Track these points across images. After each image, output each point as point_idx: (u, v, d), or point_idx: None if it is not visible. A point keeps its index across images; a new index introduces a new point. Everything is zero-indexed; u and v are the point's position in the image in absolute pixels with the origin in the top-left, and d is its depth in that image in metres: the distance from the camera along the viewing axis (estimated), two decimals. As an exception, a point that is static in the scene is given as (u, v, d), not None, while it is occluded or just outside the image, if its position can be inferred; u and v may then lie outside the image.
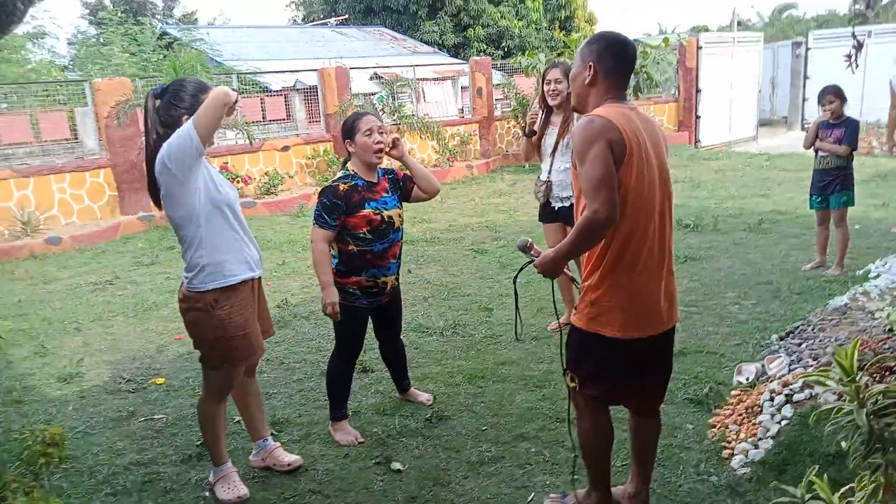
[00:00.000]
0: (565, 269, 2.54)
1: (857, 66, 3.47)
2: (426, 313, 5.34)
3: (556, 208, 4.51)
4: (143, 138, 8.80)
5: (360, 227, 3.26)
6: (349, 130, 3.33)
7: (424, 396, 3.86)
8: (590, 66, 2.37)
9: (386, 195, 3.37)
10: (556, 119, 4.41)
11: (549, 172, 4.49)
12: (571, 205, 4.38)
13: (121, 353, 4.91)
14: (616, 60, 2.37)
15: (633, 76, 12.28)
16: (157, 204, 2.83)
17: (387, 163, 3.49)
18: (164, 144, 2.64)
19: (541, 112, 4.48)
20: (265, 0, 45.74)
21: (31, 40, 18.16)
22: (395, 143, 3.41)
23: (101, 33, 19.11)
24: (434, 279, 6.28)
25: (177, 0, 27.13)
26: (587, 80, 2.39)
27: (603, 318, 2.37)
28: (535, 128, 4.48)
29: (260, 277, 3.02)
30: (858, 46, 3.41)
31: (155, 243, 8.45)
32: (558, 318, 3.33)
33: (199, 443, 3.41)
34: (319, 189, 3.34)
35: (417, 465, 3.22)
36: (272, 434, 3.40)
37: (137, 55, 15.75)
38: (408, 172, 3.51)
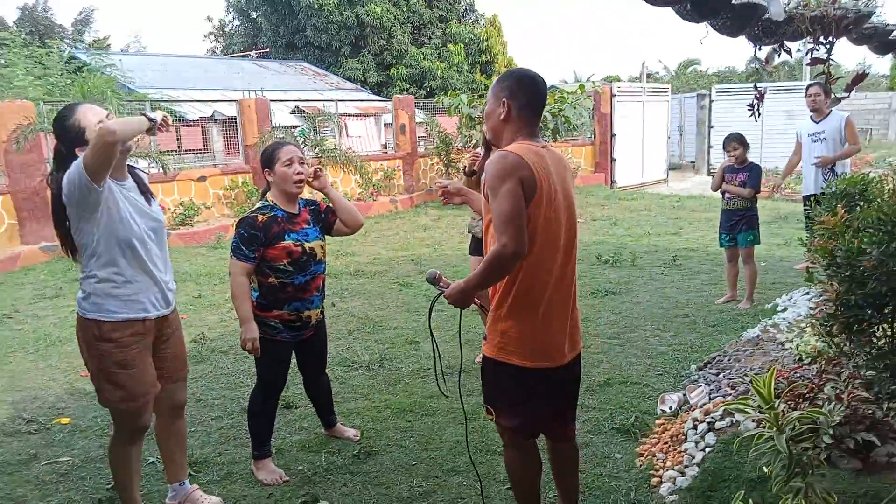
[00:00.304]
0: (476, 299, 2.54)
1: (759, 114, 3.75)
2: (351, 347, 5.23)
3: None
4: (47, 164, 8.30)
5: (281, 259, 3.16)
6: (268, 160, 3.24)
7: (351, 432, 3.75)
8: (503, 103, 2.41)
9: (307, 227, 3.28)
10: None
11: None
12: None
13: (20, 391, 4.54)
14: (528, 96, 2.42)
15: (551, 119, 12.74)
16: (60, 239, 2.71)
17: (309, 194, 3.42)
18: (65, 175, 2.54)
19: (483, 150, 4.55)
20: (183, 30, 44.82)
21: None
22: (316, 174, 3.34)
23: (2, 55, 18.14)
24: (359, 312, 6.18)
25: (88, 25, 26.15)
26: (501, 117, 2.42)
27: (512, 348, 2.41)
28: (475, 167, 4.54)
29: (164, 317, 2.82)
30: (760, 97, 3.69)
31: (59, 275, 7.94)
32: (460, 352, 3.22)
33: (108, 486, 3.16)
34: (237, 220, 3.22)
35: (346, 502, 3.10)
36: (190, 475, 3.20)
37: (43, 79, 15.02)
38: (331, 205, 3.44)
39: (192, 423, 3.94)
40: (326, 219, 3.41)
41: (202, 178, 11.02)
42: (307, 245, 3.22)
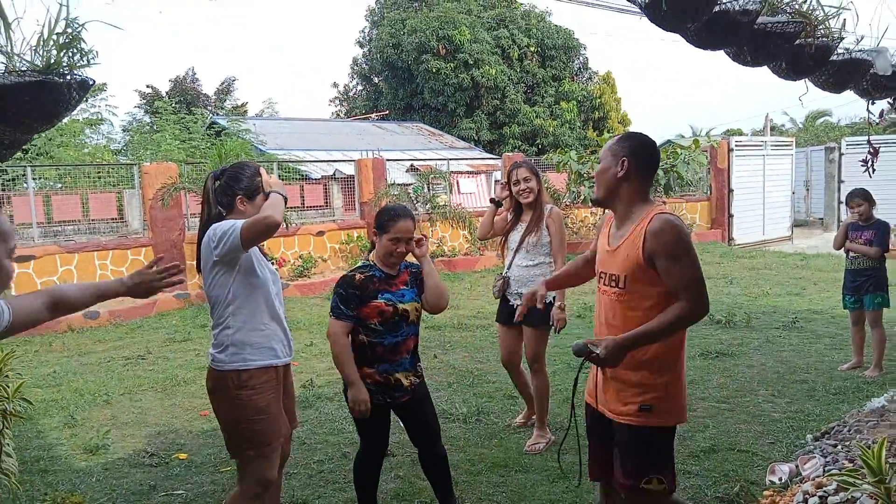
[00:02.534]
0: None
1: (873, 170, 3.61)
2: (450, 399, 5.30)
3: (515, 306, 4.33)
4: (185, 220, 9.02)
5: (371, 318, 3.14)
6: (381, 226, 3.21)
7: None
8: (623, 162, 2.44)
9: (404, 288, 3.25)
10: (526, 216, 4.39)
11: (509, 268, 4.42)
12: None
13: (147, 427, 4.95)
14: (649, 159, 2.50)
15: (663, 175, 12.53)
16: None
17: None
18: (215, 226, 2.71)
19: (509, 212, 4.47)
20: (311, 95, 48.20)
21: (88, 126, 19.31)
22: (418, 243, 3.26)
23: (154, 122, 20.27)
24: (459, 365, 6.26)
25: (229, 93, 28.68)
26: (619, 175, 2.45)
27: (683, 407, 2.48)
28: (501, 199, 4.44)
29: (287, 365, 2.95)
30: (874, 153, 3.56)
31: (188, 321, 8.62)
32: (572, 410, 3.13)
33: (216, 520, 3.37)
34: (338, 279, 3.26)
35: (435, 553, 3.13)
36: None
37: (187, 142, 16.61)
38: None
39: (294, 465, 4.13)
40: (421, 286, 3.32)
41: (320, 233, 11.67)
42: (400, 306, 3.18)
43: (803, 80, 2.77)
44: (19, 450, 3.81)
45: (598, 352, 2.32)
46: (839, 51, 2.55)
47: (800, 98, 2.84)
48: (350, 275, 3.22)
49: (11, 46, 2.14)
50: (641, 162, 2.45)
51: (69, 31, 2.14)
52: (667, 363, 2.40)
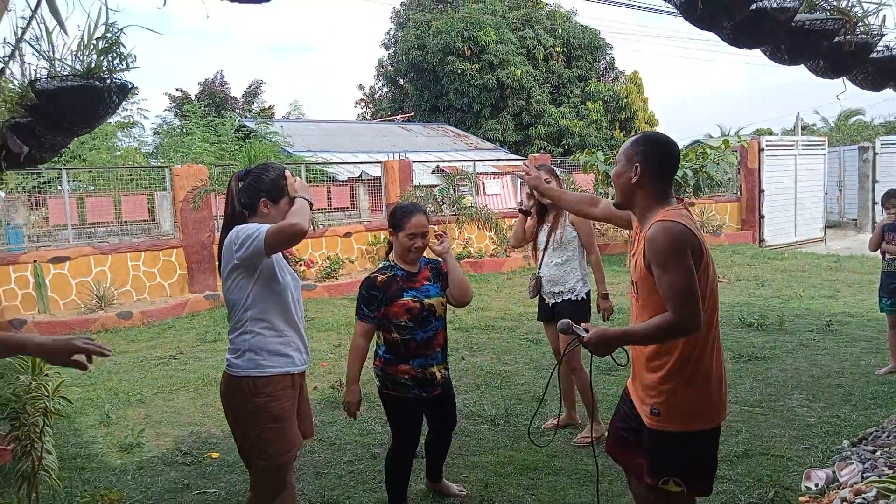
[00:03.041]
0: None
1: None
2: (478, 401, 5.29)
3: (551, 304, 4.47)
4: (216, 221, 9.00)
5: (401, 316, 3.22)
6: (396, 223, 3.29)
7: (456, 488, 3.69)
8: (636, 168, 2.39)
9: (428, 283, 3.32)
10: (549, 217, 4.47)
11: (540, 268, 4.50)
12: (565, 300, 4.38)
13: (180, 426, 5.02)
14: (662, 162, 2.42)
15: (693, 176, 12.33)
16: None
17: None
18: (238, 228, 2.65)
19: (534, 214, 4.51)
20: (337, 97, 48.52)
21: (120, 129, 19.62)
22: (439, 238, 3.34)
23: (184, 124, 20.55)
24: (487, 367, 6.25)
25: (257, 96, 28.97)
26: (633, 181, 2.40)
27: (702, 413, 2.39)
28: (529, 209, 4.50)
29: (302, 373, 2.86)
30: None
31: (219, 321, 8.72)
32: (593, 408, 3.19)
33: (248, 518, 3.40)
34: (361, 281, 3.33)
35: (465, 555, 3.13)
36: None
37: (216, 144, 16.81)
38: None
39: (324, 466, 4.17)
40: (444, 281, 3.40)
41: (348, 234, 11.75)
42: (426, 301, 3.26)
43: (840, 79, 2.72)
44: (57, 447, 3.89)
45: (583, 335, 2.36)
46: (879, 48, 2.50)
47: (837, 96, 2.77)
48: (372, 277, 3.30)
49: (53, 51, 2.18)
50: (655, 166, 2.38)
51: (109, 35, 2.17)
52: (682, 370, 2.35)
